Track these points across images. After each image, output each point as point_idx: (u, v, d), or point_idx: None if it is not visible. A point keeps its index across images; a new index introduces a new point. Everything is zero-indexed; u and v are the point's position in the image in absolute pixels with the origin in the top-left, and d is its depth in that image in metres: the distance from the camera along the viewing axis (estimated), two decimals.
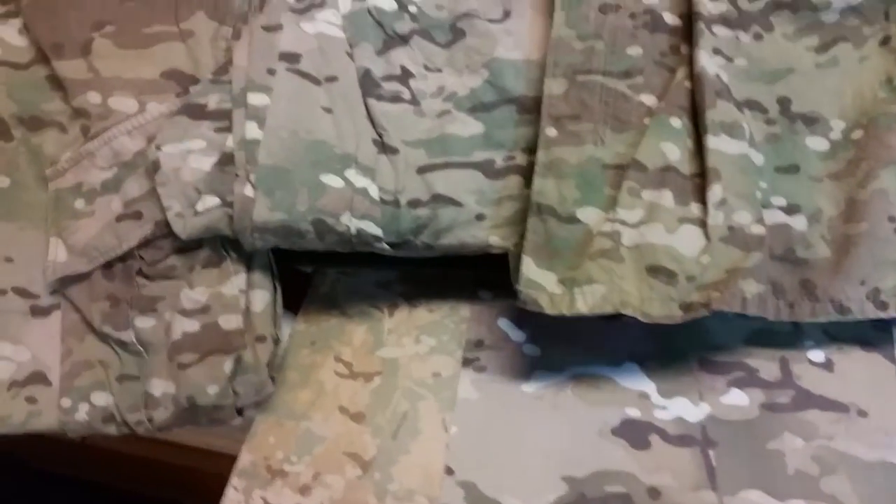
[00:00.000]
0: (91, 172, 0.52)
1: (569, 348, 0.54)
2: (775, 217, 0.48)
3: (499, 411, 0.52)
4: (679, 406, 0.51)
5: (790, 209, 0.49)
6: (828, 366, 0.50)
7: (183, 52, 0.53)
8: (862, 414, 0.49)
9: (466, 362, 0.54)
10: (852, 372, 0.50)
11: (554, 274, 0.48)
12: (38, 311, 0.53)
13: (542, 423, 0.51)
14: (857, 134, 0.49)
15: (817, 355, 0.51)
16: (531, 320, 0.55)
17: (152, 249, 0.52)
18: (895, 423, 0.48)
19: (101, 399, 0.52)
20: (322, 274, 0.60)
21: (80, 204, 0.52)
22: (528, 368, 0.53)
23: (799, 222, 0.48)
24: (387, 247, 0.51)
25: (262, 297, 0.52)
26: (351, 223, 0.49)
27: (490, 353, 0.54)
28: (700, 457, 0.49)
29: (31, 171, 0.54)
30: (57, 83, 0.54)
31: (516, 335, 0.55)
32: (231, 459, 0.53)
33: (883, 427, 0.48)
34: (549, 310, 0.47)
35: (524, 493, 0.49)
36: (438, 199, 0.50)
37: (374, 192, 0.50)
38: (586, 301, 0.47)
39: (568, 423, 0.51)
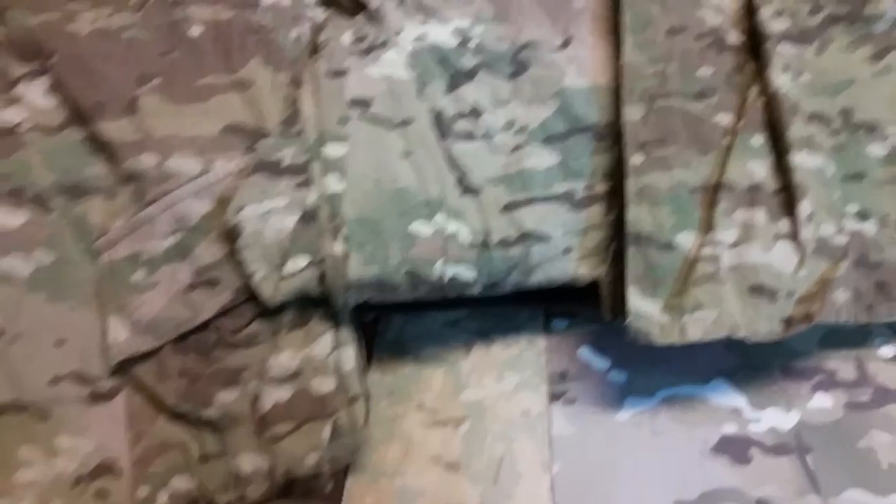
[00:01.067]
0: (151, 241, 0.48)
1: (655, 371, 0.54)
2: (851, 225, 0.51)
3: (598, 443, 0.52)
4: (771, 416, 0.52)
5: (861, 215, 0.51)
6: None
7: (243, 103, 0.49)
8: None
9: (555, 397, 0.54)
10: None
11: (658, 302, 0.48)
12: (99, 397, 0.48)
13: (645, 449, 0.51)
14: None
15: (888, 351, 0.54)
16: (612, 346, 0.56)
17: (232, 318, 0.48)
18: None
19: (183, 483, 0.48)
20: (386, 320, 0.58)
21: (139, 275, 0.48)
22: (619, 396, 0.54)
23: (870, 227, 0.51)
24: (478, 290, 0.50)
25: (350, 354, 0.49)
26: (445, 271, 0.48)
27: (577, 385, 0.54)
28: (798, 463, 0.51)
29: (77, 244, 0.49)
30: (98, 146, 0.49)
31: (599, 363, 0.55)
32: None
33: None
34: (659, 340, 0.47)
35: None
36: (528, 237, 0.50)
37: (465, 237, 0.49)
38: (698, 328, 0.47)
39: (669, 446, 0.52)
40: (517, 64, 0.53)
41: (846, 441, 0.51)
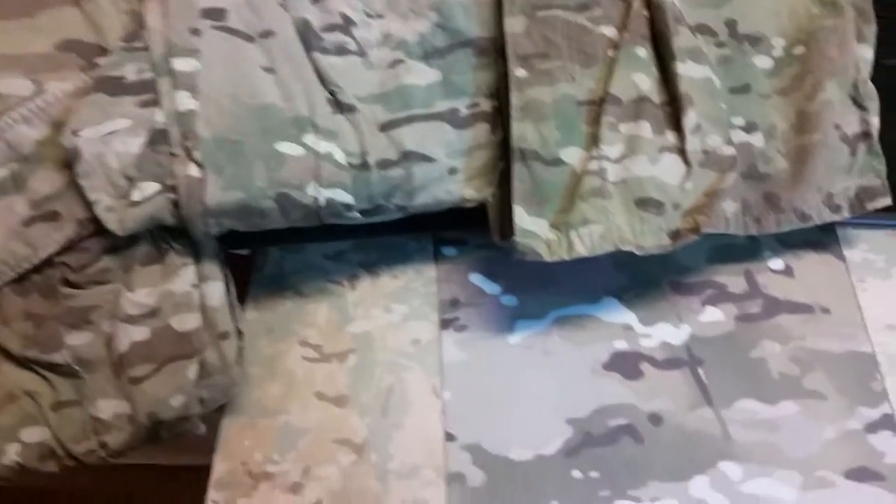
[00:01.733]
0: None
1: (546, 293, 0.53)
2: (738, 136, 0.50)
3: (489, 368, 0.50)
4: (662, 331, 0.52)
5: (748, 127, 0.50)
6: (788, 272, 0.54)
7: (79, 17, 0.44)
8: (825, 311, 0.52)
9: (445, 324, 0.52)
10: (810, 274, 0.53)
11: (545, 220, 0.46)
12: None
13: (536, 371, 0.50)
14: (799, 50, 0.51)
15: (777, 263, 0.54)
16: (503, 271, 0.54)
17: (78, 253, 0.44)
18: (854, 314, 0.52)
19: (35, 435, 0.44)
20: (263, 254, 0.54)
21: None
22: (510, 319, 0.52)
23: (757, 139, 0.50)
24: (358, 215, 0.46)
25: (217, 288, 0.46)
26: (319, 193, 0.44)
27: (468, 311, 0.52)
28: (690, 376, 0.50)
29: None
30: None
31: (491, 288, 0.53)
32: (201, 471, 0.47)
33: (845, 320, 0.52)
34: (547, 257, 0.45)
35: (532, 443, 0.48)
36: (410, 157, 0.47)
37: (341, 157, 0.45)
38: (584, 243, 0.46)
39: (560, 366, 0.50)
40: None
41: (737, 352, 0.51)
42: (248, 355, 0.50)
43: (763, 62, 0.51)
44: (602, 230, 0.45)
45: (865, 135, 0.50)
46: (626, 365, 0.51)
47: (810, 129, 0.50)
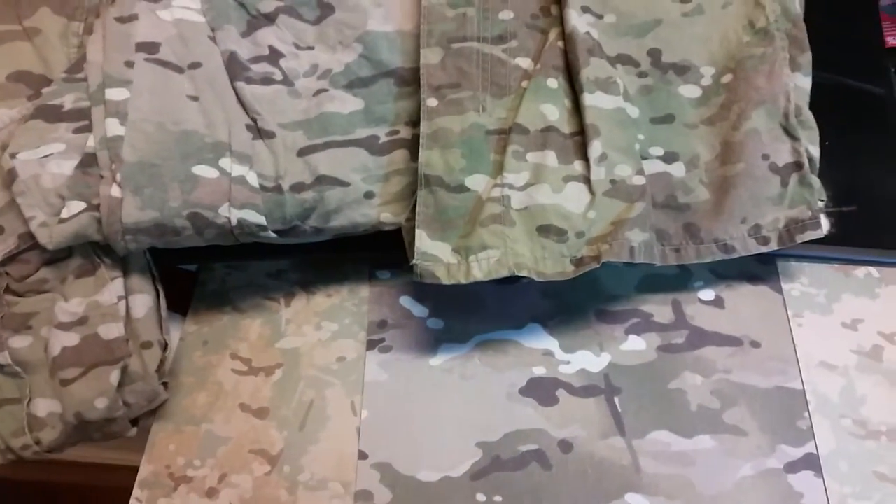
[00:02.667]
0: None
1: (471, 317, 0.54)
2: (655, 167, 0.50)
3: (408, 389, 0.51)
4: (581, 358, 0.51)
5: (668, 157, 0.50)
6: (718, 303, 0.52)
7: (30, 51, 0.49)
8: (755, 345, 0.51)
9: (371, 344, 0.53)
10: (742, 306, 0.52)
11: (448, 244, 0.47)
12: None
13: (453, 394, 0.51)
14: (727, 78, 0.51)
15: (707, 294, 0.53)
16: (433, 295, 0.55)
17: (19, 264, 0.48)
18: (787, 350, 0.50)
19: None
20: (209, 270, 0.58)
21: None
22: (434, 342, 0.53)
23: (677, 169, 0.50)
24: (273, 235, 0.49)
25: (143, 301, 0.50)
26: (231, 214, 0.47)
27: (394, 333, 0.54)
28: (605, 405, 0.50)
29: None
30: None
31: (419, 311, 0.54)
32: (134, 471, 0.50)
33: (776, 355, 0.50)
34: (445, 280, 0.47)
35: (440, 465, 0.49)
36: (323, 181, 0.49)
37: (253, 180, 0.48)
38: (482, 268, 0.46)
39: (477, 390, 0.51)
40: (322, 7, 0.52)
41: (656, 383, 0.50)
42: (182, 366, 0.54)
43: (690, 91, 0.51)
44: (499, 255, 0.46)
45: (797, 165, 0.49)
46: (542, 391, 0.51)
47: (734, 159, 0.49)
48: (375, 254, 0.57)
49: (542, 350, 0.52)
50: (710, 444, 0.48)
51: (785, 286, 0.52)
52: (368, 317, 0.54)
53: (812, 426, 0.48)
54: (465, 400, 0.51)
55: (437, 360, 0.52)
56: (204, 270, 0.58)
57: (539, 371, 0.51)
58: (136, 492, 0.50)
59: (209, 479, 0.49)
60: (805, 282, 0.53)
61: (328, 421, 0.51)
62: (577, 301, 0.53)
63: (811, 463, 0.47)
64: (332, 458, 0.49)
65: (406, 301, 0.55)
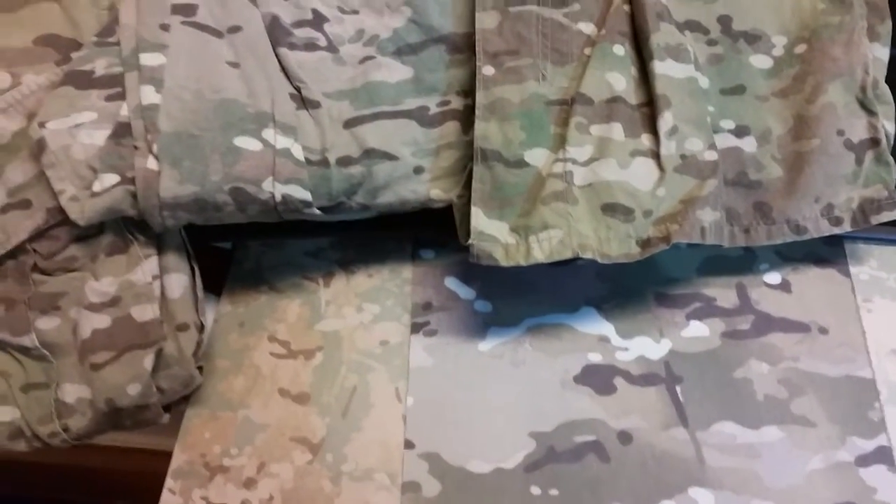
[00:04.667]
0: None
1: (522, 300, 0.51)
2: (725, 141, 0.47)
3: (456, 375, 0.49)
4: (640, 345, 0.49)
5: (739, 131, 0.47)
6: (785, 287, 0.50)
7: (58, 13, 0.46)
8: (823, 331, 0.48)
9: (416, 328, 0.51)
10: (809, 290, 0.49)
11: (506, 223, 0.44)
12: None
13: (503, 381, 0.48)
14: (801, 48, 0.48)
15: (773, 277, 0.50)
16: (480, 276, 0.52)
17: (47, 241, 0.45)
18: (856, 336, 0.48)
19: (5, 414, 0.46)
20: (244, 248, 0.55)
21: None
22: (482, 326, 0.50)
23: (749, 144, 0.47)
24: (318, 212, 0.46)
25: (179, 281, 0.47)
26: (275, 189, 0.44)
27: (440, 315, 0.51)
28: (667, 394, 0.47)
29: None
30: None
31: (465, 293, 0.52)
32: (166, 456, 0.48)
33: (845, 342, 0.48)
34: (504, 262, 0.44)
35: (492, 456, 0.46)
36: (371, 154, 0.46)
37: (299, 153, 0.45)
38: (543, 248, 0.44)
39: (529, 377, 0.48)
40: None
41: (721, 371, 0.48)
42: (217, 348, 0.51)
43: (761, 62, 0.48)
44: (562, 235, 0.43)
45: (874, 141, 0.46)
46: (598, 379, 0.48)
47: (809, 135, 0.46)
48: (418, 231, 0.54)
49: (597, 335, 0.49)
50: (777, 435, 0.45)
51: (853, 270, 0.50)
52: (412, 298, 0.52)
53: (884, 417, 0.45)
54: (516, 387, 0.48)
55: (486, 345, 0.50)
56: (239, 248, 0.55)
57: (595, 358, 0.49)
58: (168, 482, 0.47)
59: (247, 469, 0.47)
60: (874, 265, 0.50)
61: (372, 408, 0.48)
62: (634, 284, 0.51)
63: (884, 456, 0.44)
64: (376, 447, 0.47)
65: (452, 282, 0.52)
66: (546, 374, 0.48)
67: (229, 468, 0.47)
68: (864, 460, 0.44)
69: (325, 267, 0.54)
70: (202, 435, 0.48)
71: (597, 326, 0.50)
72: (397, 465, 0.46)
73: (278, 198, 0.44)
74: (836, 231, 0.47)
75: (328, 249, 0.54)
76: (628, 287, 0.51)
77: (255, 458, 0.47)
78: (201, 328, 0.47)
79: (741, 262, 0.51)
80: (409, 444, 0.47)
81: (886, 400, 0.46)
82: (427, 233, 0.54)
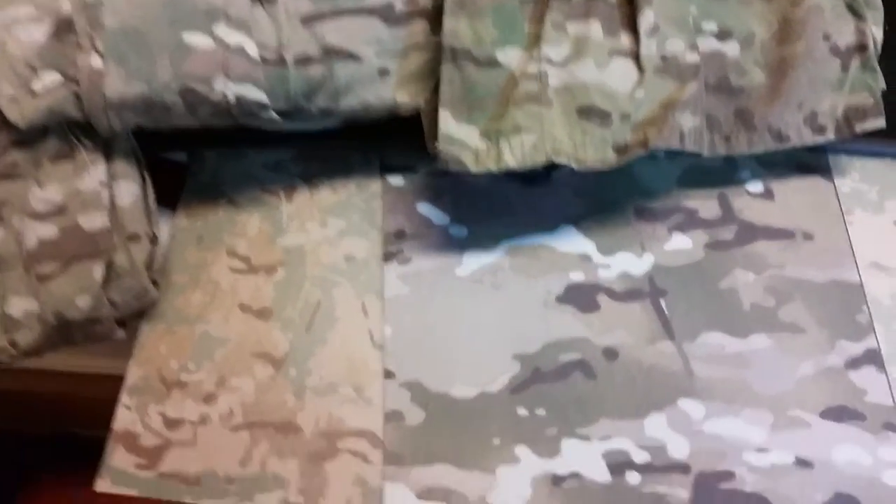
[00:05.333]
0: None
1: (498, 222, 0.48)
2: (708, 44, 0.44)
3: (434, 302, 0.46)
4: (622, 261, 0.47)
5: (722, 34, 0.45)
6: (767, 195, 0.48)
7: None
8: (808, 237, 0.47)
9: (389, 256, 0.48)
10: (793, 197, 0.48)
11: (476, 127, 0.42)
12: None
13: (484, 305, 0.46)
14: None
15: (755, 186, 0.48)
16: (453, 200, 0.50)
17: None
18: (842, 241, 0.46)
19: None
20: (200, 160, 0.52)
21: None
22: (459, 251, 0.48)
23: (732, 48, 0.45)
24: (275, 116, 0.43)
25: (129, 189, 0.44)
26: (227, 89, 0.41)
27: (414, 243, 0.48)
28: (651, 308, 0.46)
29: None
30: None
31: (439, 218, 0.49)
32: (121, 380, 0.45)
33: (830, 247, 0.46)
34: (474, 168, 0.41)
35: (475, 380, 0.44)
36: (331, 54, 0.43)
37: (253, 50, 0.42)
38: (515, 153, 0.41)
39: (511, 300, 0.46)
40: None
41: (705, 283, 0.46)
42: (174, 263, 0.48)
43: None
44: (535, 139, 0.41)
45: (861, 47, 0.45)
46: (581, 297, 0.46)
47: (793, 38, 0.44)
48: (385, 144, 0.51)
49: (578, 254, 0.47)
50: (766, 343, 0.44)
51: (836, 181, 0.48)
52: (383, 228, 0.49)
53: (872, 320, 0.44)
54: (497, 311, 0.46)
55: (464, 270, 0.47)
56: (195, 160, 0.52)
57: (577, 276, 0.47)
58: (124, 398, 0.44)
59: (206, 384, 0.45)
60: (856, 177, 0.49)
61: (337, 322, 0.46)
62: (613, 198, 0.49)
63: (873, 358, 0.43)
64: (341, 360, 0.45)
65: (424, 208, 0.50)
66: (527, 295, 0.46)
67: (187, 383, 0.45)
68: (853, 363, 0.43)
69: (286, 180, 0.51)
70: (158, 350, 0.46)
71: (577, 244, 0.48)
72: (363, 377, 0.44)
73: (231, 98, 0.41)
74: (820, 140, 0.45)
75: (290, 162, 0.51)
76: (607, 202, 0.49)
77: (215, 373, 0.45)
78: (154, 239, 0.45)
79: (722, 171, 0.49)
80: (388, 374, 0.44)
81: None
82: (395, 156, 0.51)
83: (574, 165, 0.42)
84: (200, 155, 0.52)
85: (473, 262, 0.47)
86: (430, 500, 0.41)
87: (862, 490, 0.40)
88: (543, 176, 0.49)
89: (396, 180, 0.50)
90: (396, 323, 0.46)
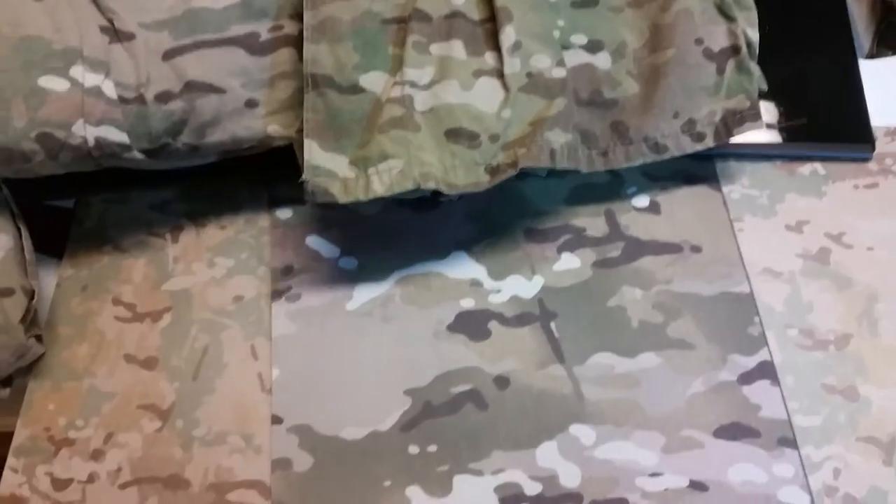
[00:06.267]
0: None
1: (389, 252, 0.48)
2: (577, 57, 0.44)
3: (323, 340, 0.45)
4: (512, 284, 0.46)
5: (592, 46, 0.44)
6: (654, 208, 0.47)
7: None
8: (696, 250, 0.46)
9: (277, 294, 0.47)
10: (680, 210, 0.47)
11: (344, 156, 0.41)
12: None
13: (374, 339, 0.45)
14: None
15: (642, 200, 0.48)
16: (344, 231, 0.49)
17: None
18: (731, 252, 0.46)
19: None
20: (85, 206, 0.51)
21: None
22: (349, 284, 0.47)
23: (603, 60, 0.44)
24: (139, 155, 0.43)
25: (1, 242, 0.43)
26: (87, 132, 0.40)
27: (302, 278, 0.47)
28: (542, 332, 0.45)
29: None
30: None
31: (328, 251, 0.48)
32: (8, 438, 0.44)
33: (719, 258, 0.46)
34: (342, 198, 0.41)
35: (366, 420, 0.43)
36: (193, 87, 0.42)
37: (111, 90, 0.41)
38: (383, 181, 0.41)
39: (401, 332, 0.45)
40: None
41: (594, 302, 0.45)
42: (59, 315, 0.47)
43: None
44: (402, 165, 0.40)
45: (734, 49, 0.44)
46: (472, 325, 0.45)
47: (664, 45, 0.44)
48: (273, 175, 0.50)
49: (469, 280, 0.46)
50: (655, 361, 0.43)
51: (724, 189, 0.48)
52: (271, 263, 0.48)
53: (764, 332, 0.43)
54: (388, 344, 0.45)
55: (354, 304, 0.46)
56: (80, 206, 0.51)
57: (467, 304, 0.46)
58: (10, 460, 0.43)
59: (94, 440, 0.43)
60: (746, 183, 0.48)
61: (225, 368, 0.45)
62: (503, 221, 0.48)
63: (766, 371, 0.42)
64: (230, 408, 0.44)
65: (313, 241, 0.48)
66: (419, 326, 0.45)
67: (75, 440, 0.43)
68: (746, 378, 0.42)
69: (172, 221, 0.50)
70: (46, 407, 0.45)
71: (468, 270, 0.47)
72: (253, 424, 0.43)
73: (91, 142, 0.41)
74: (699, 148, 0.45)
75: (175, 202, 0.51)
76: (498, 224, 0.48)
77: (102, 429, 0.44)
78: (31, 294, 0.44)
79: (609, 187, 0.48)
80: (276, 420, 0.43)
81: (762, 321, 0.44)
82: (283, 188, 0.50)
83: (445, 190, 0.41)
84: (86, 200, 0.51)
85: (364, 295, 0.46)
86: None
87: None
88: (434, 202, 0.48)
89: (285, 213, 0.49)
90: (285, 364, 0.44)
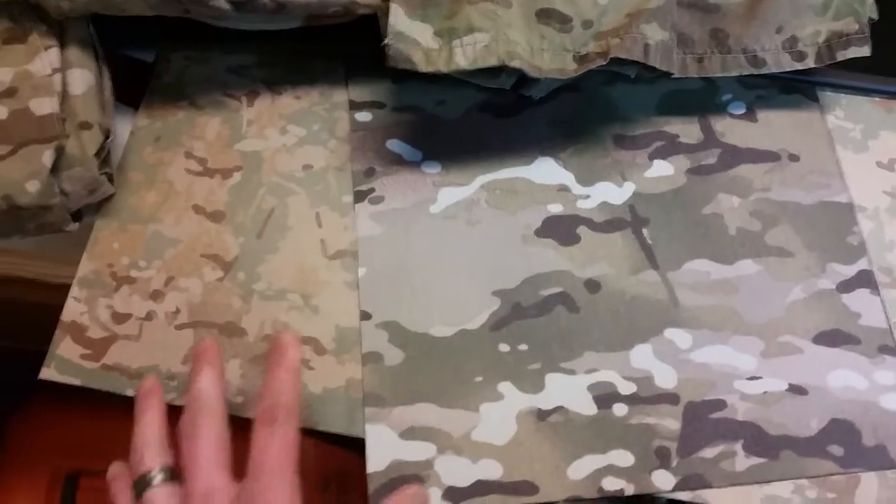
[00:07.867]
0: None
1: (472, 157, 0.46)
2: None
3: (408, 241, 0.44)
4: (602, 190, 0.45)
5: None
6: (750, 116, 0.46)
7: None
8: (794, 158, 0.45)
9: (360, 196, 0.45)
10: (776, 118, 0.46)
11: (430, 26, 0.40)
12: None
13: (460, 242, 0.44)
14: None
15: (737, 107, 0.47)
16: (425, 135, 0.47)
17: None
18: (828, 161, 0.45)
19: None
20: (165, 61, 0.50)
21: None
22: (432, 188, 0.45)
23: None
24: (226, 5, 0.41)
25: (83, 77, 0.43)
26: None
27: (385, 181, 0.46)
28: (633, 238, 0.43)
29: None
30: None
31: (410, 154, 0.47)
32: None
33: (816, 167, 0.45)
34: (422, 67, 0.39)
35: (455, 319, 0.41)
36: None
37: None
38: (466, 54, 0.39)
39: (488, 236, 0.44)
40: None
41: (689, 209, 0.44)
42: (130, 161, 0.47)
43: None
44: (488, 40, 0.39)
45: None
46: (560, 229, 0.44)
47: None
48: (349, 51, 0.49)
49: (556, 185, 0.45)
50: (753, 268, 0.42)
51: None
52: (353, 166, 0.46)
53: (864, 240, 0.43)
54: (474, 247, 0.43)
55: (438, 207, 0.45)
56: (160, 61, 0.50)
57: (555, 209, 0.45)
58: (74, 290, 0.43)
59: (154, 282, 0.43)
60: (840, 115, 0.47)
61: (289, 231, 0.44)
62: (590, 127, 0.47)
63: (866, 280, 0.41)
64: (291, 268, 0.43)
65: (394, 145, 0.47)
66: (505, 230, 0.44)
67: (136, 279, 0.43)
68: (846, 286, 0.41)
69: (249, 85, 0.49)
70: (111, 245, 0.44)
71: (555, 176, 0.45)
72: (311, 286, 0.43)
73: None
74: (798, 67, 0.43)
75: (254, 67, 0.50)
76: (584, 131, 0.47)
77: (164, 272, 0.43)
78: (107, 132, 0.43)
79: (702, 94, 0.47)
80: (365, 315, 0.41)
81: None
82: (362, 90, 0.48)
83: (528, 71, 0.40)
84: (166, 56, 0.50)
85: (448, 199, 0.45)
86: (413, 439, 0.39)
87: (858, 415, 0.38)
88: (516, 107, 0.47)
89: (364, 117, 0.48)
90: (371, 263, 0.43)
